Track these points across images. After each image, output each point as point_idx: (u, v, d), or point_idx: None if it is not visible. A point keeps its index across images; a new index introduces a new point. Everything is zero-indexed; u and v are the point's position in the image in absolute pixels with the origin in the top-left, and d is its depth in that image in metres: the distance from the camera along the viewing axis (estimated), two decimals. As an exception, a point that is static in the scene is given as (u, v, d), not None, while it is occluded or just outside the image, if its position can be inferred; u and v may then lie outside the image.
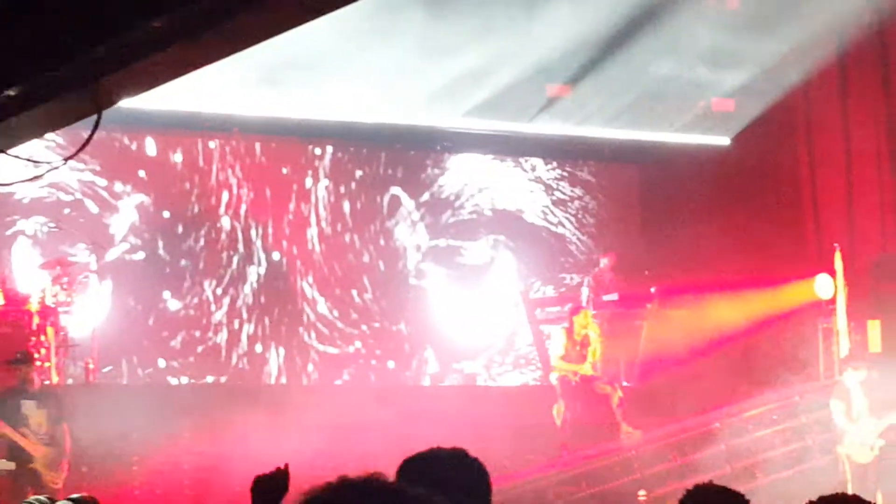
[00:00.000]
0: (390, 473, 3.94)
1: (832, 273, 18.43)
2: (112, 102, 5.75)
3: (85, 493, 6.90)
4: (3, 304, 16.48)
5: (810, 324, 18.49)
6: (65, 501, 6.76)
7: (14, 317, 16.47)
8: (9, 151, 6.19)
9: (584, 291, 19.91)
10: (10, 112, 5.74)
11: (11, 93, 5.48)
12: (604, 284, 19.83)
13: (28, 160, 6.35)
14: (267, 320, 20.35)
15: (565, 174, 22.62)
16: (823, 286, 18.47)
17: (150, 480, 15.76)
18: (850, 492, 10.75)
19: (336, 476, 2.45)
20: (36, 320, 16.45)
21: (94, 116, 5.69)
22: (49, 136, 15.50)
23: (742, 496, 4.12)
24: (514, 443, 17.10)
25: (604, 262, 20.09)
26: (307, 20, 4.98)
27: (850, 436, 15.85)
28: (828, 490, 4.55)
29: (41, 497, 7.15)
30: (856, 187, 19.86)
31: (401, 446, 4.20)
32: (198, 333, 19.97)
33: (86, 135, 5.83)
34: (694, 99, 21.35)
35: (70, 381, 17.42)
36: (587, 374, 17.62)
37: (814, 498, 4.56)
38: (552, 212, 22.40)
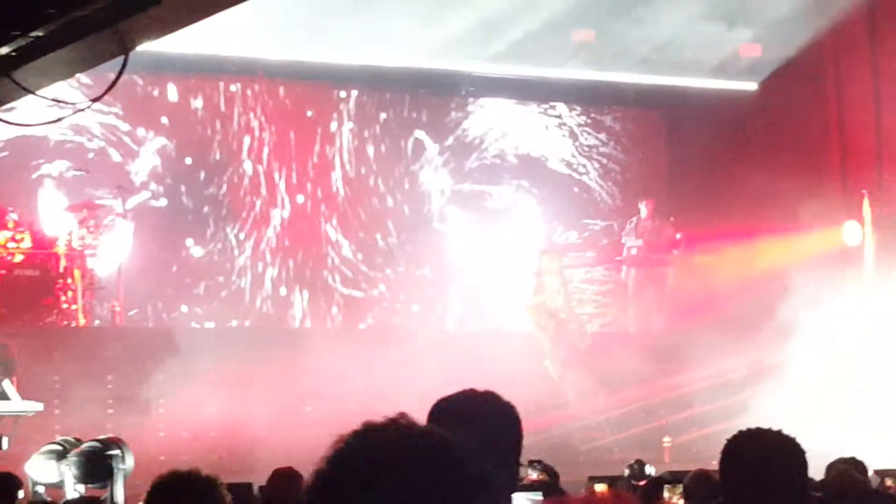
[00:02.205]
0: (422, 416, 3.93)
1: (860, 220, 18.34)
2: (138, 43, 5.72)
3: (111, 435, 6.91)
4: (30, 246, 16.55)
5: (837, 272, 18.41)
6: (91, 442, 6.77)
7: (41, 259, 16.55)
8: (37, 92, 6.17)
9: (625, 240, 19.75)
10: (38, 53, 5.71)
11: (39, 33, 5.45)
12: (640, 231, 19.62)
13: (54, 101, 6.33)
14: (291, 263, 20.36)
15: (590, 120, 22.47)
16: (851, 233, 18.38)
17: (175, 424, 15.81)
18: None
19: (366, 419, 2.42)
20: (63, 263, 16.52)
21: (121, 58, 5.67)
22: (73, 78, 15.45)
23: (797, 443, 4.08)
24: (538, 387, 17.10)
25: (642, 207, 19.81)
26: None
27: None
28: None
29: (69, 437, 7.16)
30: (884, 133, 19.69)
31: (428, 390, 4.18)
32: (221, 279, 19.99)
33: (111, 77, 5.81)
34: (721, 44, 21.16)
35: (97, 323, 17.55)
36: (561, 320, 17.54)
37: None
38: (576, 158, 22.28)
